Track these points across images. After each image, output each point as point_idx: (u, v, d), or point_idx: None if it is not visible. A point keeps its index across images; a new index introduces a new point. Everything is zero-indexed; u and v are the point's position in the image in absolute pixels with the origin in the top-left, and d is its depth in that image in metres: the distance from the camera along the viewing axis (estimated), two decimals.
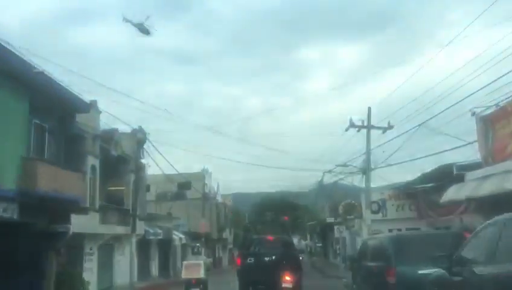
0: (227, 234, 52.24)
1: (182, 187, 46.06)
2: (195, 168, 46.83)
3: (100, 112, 17.46)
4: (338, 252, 34.86)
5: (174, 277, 29.09)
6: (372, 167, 23.53)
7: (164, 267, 28.01)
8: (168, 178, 40.27)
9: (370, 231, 23.16)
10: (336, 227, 25.22)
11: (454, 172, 16.68)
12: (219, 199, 50.11)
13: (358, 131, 24.11)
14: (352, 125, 23.76)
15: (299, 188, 46.21)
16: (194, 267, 13.51)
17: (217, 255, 46.41)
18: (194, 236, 35.76)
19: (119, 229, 19.50)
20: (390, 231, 24.53)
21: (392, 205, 24.52)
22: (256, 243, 16.75)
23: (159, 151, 22.00)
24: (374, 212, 23.89)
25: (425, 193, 18.88)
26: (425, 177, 18.43)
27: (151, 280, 24.63)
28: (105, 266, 19.36)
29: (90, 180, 16.64)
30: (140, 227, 22.23)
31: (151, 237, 24.34)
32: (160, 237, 25.76)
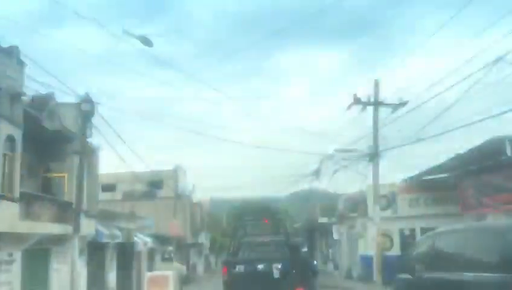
0: (203, 239, 47.25)
1: (153, 186, 41.44)
2: (168, 166, 41.85)
3: (25, 65, 12.54)
4: (330, 257, 30.43)
5: (138, 289, 24.11)
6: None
7: (125, 278, 22.93)
8: (136, 176, 35.64)
9: (379, 232, 18.80)
10: (334, 227, 20.81)
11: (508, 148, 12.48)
12: (194, 199, 45.17)
13: (363, 109, 19.79)
14: (356, 101, 19.40)
15: (276, 192, 42.66)
16: (160, 281, 9.44)
17: (191, 261, 41.38)
18: (163, 240, 30.74)
19: (56, 228, 14.50)
20: (401, 231, 20.28)
21: (404, 199, 20.22)
22: (246, 246, 13.48)
23: (112, 128, 17.15)
24: (382, 208, 19.54)
25: (475, 175, 14.47)
26: (463, 158, 14.11)
27: None
28: (36, 278, 14.32)
29: (5, 157, 11.72)
30: (90, 226, 17.28)
31: (106, 240, 19.33)
32: (119, 241, 20.76)
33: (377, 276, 18.30)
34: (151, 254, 28.52)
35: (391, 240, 19.78)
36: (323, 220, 27.29)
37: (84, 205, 16.61)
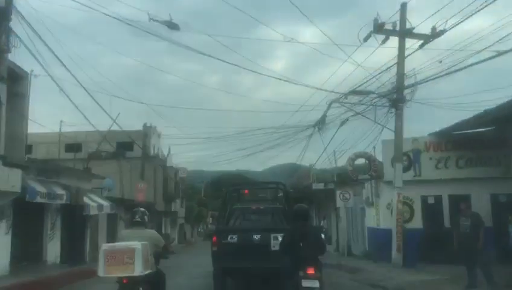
0: (178, 207, 42.81)
1: (122, 147, 36.60)
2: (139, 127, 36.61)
3: None
4: (324, 229, 26.30)
5: (93, 262, 19.62)
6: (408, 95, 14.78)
7: (74, 249, 18.37)
8: (103, 135, 31.16)
9: (400, 199, 14.55)
10: (338, 193, 16.53)
11: None
12: (170, 164, 40.56)
13: (385, 42, 15.29)
14: (378, 29, 14.84)
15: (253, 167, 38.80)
16: (121, 256, 5.89)
17: (163, 231, 37.04)
18: (128, 205, 26.18)
19: None
20: (424, 198, 16.08)
21: (430, 158, 15.93)
22: (238, 214, 11.90)
23: (49, 48, 12.21)
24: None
25: None
26: None
27: (43, 269, 15.04)
28: None
29: None
30: (12, 180, 12.49)
31: (42, 200, 14.61)
32: (62, 202, 16.07)
33: (396, 255, 14.15)
34: (112, 221, 23.98)
35: (411, 210, 15.61)
36: (318, 186, 23.04)
37: (0, 149, 11.84)
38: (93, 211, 18.30)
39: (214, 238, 10.56)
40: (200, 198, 69.98)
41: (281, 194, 13.85)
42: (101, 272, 5.85)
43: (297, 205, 7.93)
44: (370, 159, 16.34)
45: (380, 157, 16.54)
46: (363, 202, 18.15)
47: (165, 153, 43.21)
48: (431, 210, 15.71)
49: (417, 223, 15.58)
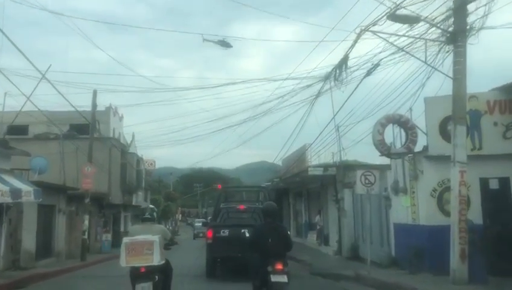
0: (141, 200, 36.93)
1: (76, 130, 30.86)
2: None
3: None
4: (318, 227, 21.30)
5: (7, 271, 13.97)
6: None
7: None
8: (51, 116, 26.29)
9: (464, 180, 9.58)
10: (359, 175, 11.38)
11: None
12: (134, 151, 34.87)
13: None
14: None
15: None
16: (141, 248, 6.60)
17: (122, 228, 31.38)
18: (71, 195, 20.52)
19: None
20: (484, 181, 11.18)
21: (495, 124, 11.05)
22: (224, 213, 13.70)
23: None
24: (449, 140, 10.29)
25: None
26: None
27: None
28: None
29: None
30: None
31: None
32: None
33: (459, 264, 9.18)
34: (47, 213, 18.30)
35: (466, 198, 10.69)
36: (316, 171, 17.99)
37: None
38: (3, 198, 12.64)
39: (210, 233, 12.63)
40: (169, 192, 64.32)
41: (262, 195, 15.34)
42: (122, 262, 6.63)
43: (266, 202, 8.75)
44: (406, 125, 11.33)
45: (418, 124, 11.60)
46: (387, 188, 13.17)
47: (129, 139, 37.75)
48: (494, 198, 10.86)
49: (475, 217, 10.66)
